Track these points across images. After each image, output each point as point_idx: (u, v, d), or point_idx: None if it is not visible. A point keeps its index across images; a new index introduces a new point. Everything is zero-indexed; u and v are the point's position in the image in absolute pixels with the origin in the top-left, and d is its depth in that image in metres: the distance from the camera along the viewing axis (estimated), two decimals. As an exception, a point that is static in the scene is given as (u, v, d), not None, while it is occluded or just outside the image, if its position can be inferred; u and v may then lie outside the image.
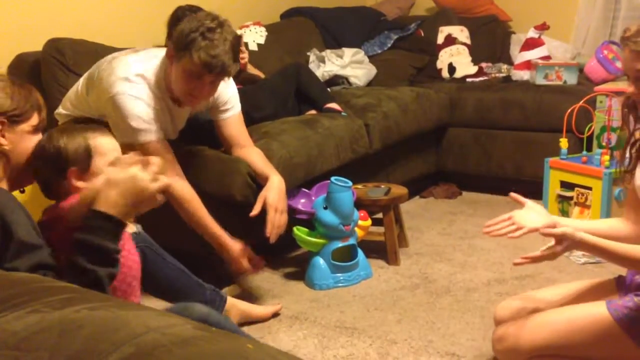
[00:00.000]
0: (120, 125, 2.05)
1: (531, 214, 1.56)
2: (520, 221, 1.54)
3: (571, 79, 3.35)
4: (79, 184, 1.44)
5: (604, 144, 2.86)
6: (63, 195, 1.46)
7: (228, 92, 2.32)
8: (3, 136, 1.43)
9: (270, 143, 2.47)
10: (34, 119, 1.48)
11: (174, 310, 1.40)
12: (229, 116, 2.33)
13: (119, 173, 1.30)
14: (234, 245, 2.16)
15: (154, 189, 1.31)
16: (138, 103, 2.05)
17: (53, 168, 1.46)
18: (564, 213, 2.81)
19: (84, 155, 1.46)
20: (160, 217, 2.23)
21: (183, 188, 2.11)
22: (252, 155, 2.31)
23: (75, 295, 0.86)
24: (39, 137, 1.50)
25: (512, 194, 1.67)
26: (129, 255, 1.50)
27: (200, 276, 2.07)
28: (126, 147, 1.69)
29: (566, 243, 1.49)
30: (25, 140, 1.47)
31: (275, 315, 2.14)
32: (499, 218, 1.59)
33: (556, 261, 2.51)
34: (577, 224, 1.63)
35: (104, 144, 1.50)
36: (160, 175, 1.32)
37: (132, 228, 1.74)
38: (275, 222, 2.17)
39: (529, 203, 1.61)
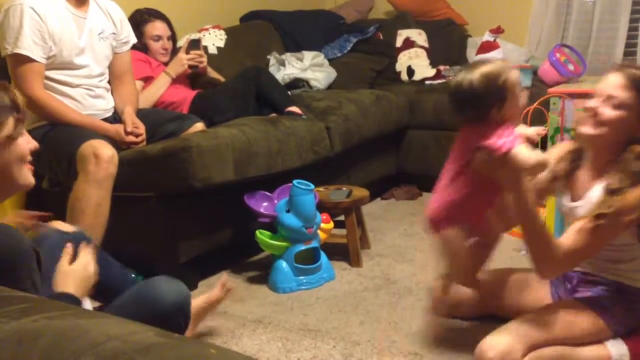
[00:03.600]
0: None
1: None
2: None
3: (526, 81, 3.42)
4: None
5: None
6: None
7: (127, 24, 2.58)
8: None
9: (229, 129, 2.47)
10: (8, 127, 1.30)
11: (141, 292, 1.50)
12: (126, 50, 2.56)
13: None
14: (111, 126, 2.39)
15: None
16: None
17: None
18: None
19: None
20: (116, 223, 2.22)
21: (44, 96, 2.29)
22: (128, 93, 2.54)
23: (33, 305, 0.85)
24: (17, 145, 1.34)
25: None
26: None
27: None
28: None
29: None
30: None
31: (229, 291, 2.05)
32: None
33: (512, 259, 2.58)
34: None
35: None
36: None
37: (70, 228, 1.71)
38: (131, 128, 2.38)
39: None
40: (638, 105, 1.59)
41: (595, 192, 1.64)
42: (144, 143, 2.41)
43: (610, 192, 1.57)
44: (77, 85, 2.38)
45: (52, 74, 2.32)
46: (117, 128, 2.39)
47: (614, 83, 1.62)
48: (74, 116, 2.33)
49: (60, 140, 2.27)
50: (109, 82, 2.54)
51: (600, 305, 1.67)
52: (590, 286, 1.73)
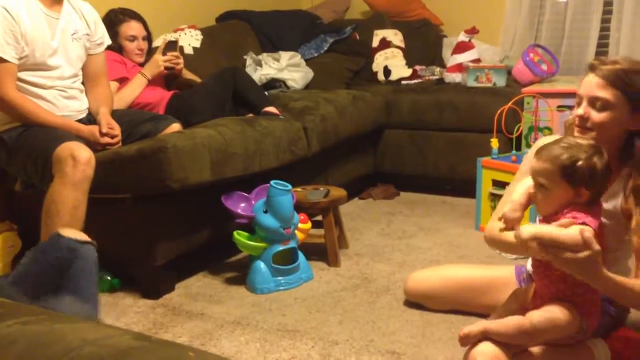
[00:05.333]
0: None
1: None
2: None
3: (500, 81, 3.47)
4: None
5: (531, 143, 2.98)
6: None
7: (101, 25, 2.56)
8: None
9: (206, 130, 2.46)
10: None
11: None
12: (100, 51, 2.54)
13: None
14: (85, 127, 2.37)
15: None
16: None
17: None
18: (497, 210, 2.90)
19: None
20: (92, 225, 2.19)
21: (17, 97, 2.26)
22: (103, 95, 2.52)
23: (6, 310, 0.84)
24: None
25: None
26: None
27: (128, 284, 2.04)
28: None
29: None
30: None
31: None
32: None
33: (489, 258, 2.61)
34: None
35: None
36: None
37: None
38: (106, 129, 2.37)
39: None
40: (622, 100, 1.56)
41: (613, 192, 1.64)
42: (120, 144, 2.39)
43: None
44: (50, 87, 2.35)
45: (25, 75, 2.29)
46: (92, 129, 2.37)
47: (593, 85, 1.59)
48: (47, 117, 2.30)
49: (35, 142, 2.23)
50: (82, 83, 2.51)
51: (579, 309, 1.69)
52: None
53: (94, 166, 2.13)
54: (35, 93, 2.32)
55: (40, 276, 1.56)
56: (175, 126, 2.52)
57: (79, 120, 2.44)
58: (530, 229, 1.45)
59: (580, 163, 1.45)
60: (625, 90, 1.56)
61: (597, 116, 1.58)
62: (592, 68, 1.61)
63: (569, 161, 1.45)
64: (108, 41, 2.59)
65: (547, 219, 1.55)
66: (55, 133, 2.23)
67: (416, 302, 2.17)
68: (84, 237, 1.64)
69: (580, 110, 1.61)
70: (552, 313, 1.52)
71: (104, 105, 2.47)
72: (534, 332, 1.52)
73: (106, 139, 2.35)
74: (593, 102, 1.58)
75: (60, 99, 2.38)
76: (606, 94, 1.56)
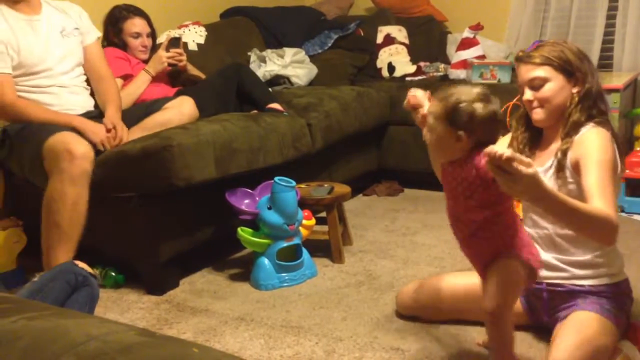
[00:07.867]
0: None
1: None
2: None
3: (505, 77, 3.46)
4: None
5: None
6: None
7: (86, 17, 2.58)
8: None
9: (211, 125, 2.46)
10: None
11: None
12: (90, 42, 2.54)
13: None
14: (92, 125, 2.32)
15: None
16: None
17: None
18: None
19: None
20: (97, 222, 2.20)
21: (19, 102, 2.29)
22: (109, 90, 2.51)
23: (12, 306, 0.84)
24: None
25: None
26: None
27: (132, 280, 2.05)
28: None
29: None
30: None
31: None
32: None
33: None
34: None
35: None
36: None
37: None
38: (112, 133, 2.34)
39: None
40: (554, 73, 1.71)
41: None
42: (122, 142, 2.38)
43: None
44: (50, 86, 2.38)
45: (24, 80, 2.33)
46: (95, 129, 2.34)
47: (525, 71, 1.75)
48: (49, 116, 2.31)
49: (29, 134, 2.24)
50: (86, 81, 2.53)
51: (606, 311, 1.65)
52: (567, 298, 1.73)
53: (91, 159, 2.10)
54: (37, 94, 2.35)
55: (54, 292, 1.66)
56: (186, 98, 2.54)
57: (89, 113, 2.44)
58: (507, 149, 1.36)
59: (462, 105, 1.45)
60: (551, 63, 1.72)
61: (539, 94, 1.73)
62: (519, 60, 1.78)
63: (453, 102, 1.46)
64: (97, 32, 2.61)
65: (454, 166, 1.54)
66: (51, 126, 2.23)
67: (410, 314, 2.05)
68: (91, 271, 1.81)
69: (525, 96, 1.75)
70: (499, 278, 1.49)
71: (112, 103, 2.47)
72: (501, 311, 1.49)
73: (109, 140, 2.34)
74: (531, 84, 1.74)
75: (62, 95, 2.40)
76: (538, 72, 1.73)
